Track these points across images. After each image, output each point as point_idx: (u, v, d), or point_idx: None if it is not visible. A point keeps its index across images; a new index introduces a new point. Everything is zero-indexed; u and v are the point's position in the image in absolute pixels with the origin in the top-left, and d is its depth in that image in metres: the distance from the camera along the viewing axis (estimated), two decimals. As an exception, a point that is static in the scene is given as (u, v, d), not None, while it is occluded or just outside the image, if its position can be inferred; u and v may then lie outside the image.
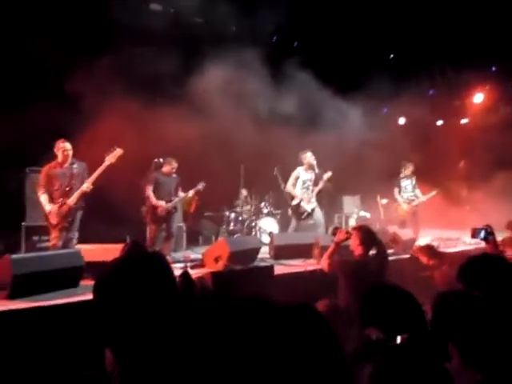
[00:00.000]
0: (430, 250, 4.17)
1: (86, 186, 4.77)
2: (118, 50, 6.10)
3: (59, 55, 5.86)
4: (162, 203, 5.76)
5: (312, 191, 6.72)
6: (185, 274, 1.74)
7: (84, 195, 4.83)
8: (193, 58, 6.80)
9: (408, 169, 7.42)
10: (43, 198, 4.78)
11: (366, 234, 3.56)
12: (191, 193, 6.12)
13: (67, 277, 3.80)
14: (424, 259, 4.07)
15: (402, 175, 7.47)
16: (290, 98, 7.40)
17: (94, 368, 1.13)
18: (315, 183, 6.75)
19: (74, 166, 4.88)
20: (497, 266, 1.97)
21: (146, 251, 3.24)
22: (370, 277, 3.28)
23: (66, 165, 4.86)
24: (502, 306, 1.67)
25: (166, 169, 5.96)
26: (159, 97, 6.66)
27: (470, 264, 2.00)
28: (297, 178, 6.73)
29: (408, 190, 7.41)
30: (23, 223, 5.98)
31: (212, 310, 0.95)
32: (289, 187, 6.76)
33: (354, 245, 3.57)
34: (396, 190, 7.43)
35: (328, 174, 6.61)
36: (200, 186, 6.12)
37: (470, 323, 1.46)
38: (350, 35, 8.13)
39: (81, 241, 4.89)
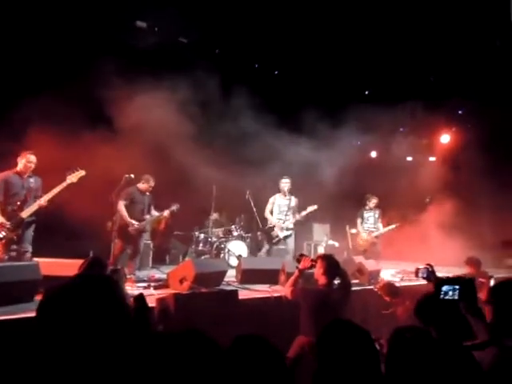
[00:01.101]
0: (390, 288, 4.16)
1: (44, 200, 4.73)
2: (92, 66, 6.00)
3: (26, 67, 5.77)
4: (134, 222, 5.58)
5: (287, 216, 6.78)
6: (139, 298, 1.67)
7: (39, 210, 4.77)
8: (164, 78, 6.74)
9: (372, 202, 7.73)
10: None
11: (330, 264, 3.56)
12: (166, 213, 5.95)
13: (21, 291, 3.62)
14: (386, 298, 4.10)
15: (366, 207, 7.81)
16: (261, 124, 7.47)
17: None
18: (294, 211, 6.83)
19: (31, 179, 4.84)
20: (447, 304, 2.02)
21: (105, 270, 3.15)
22: (332, 307, 3.29)
23: (25, 176, 4.81)
24: (453, 344, 1.70)
25: (143, 186, 5.80)
26: (128, 114, 6.57)
27: (424, 301, 2.04)
28: (273, 203, 6.91)
29: (370, 221, 7.76)
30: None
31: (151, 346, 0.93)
32: (267, 214, 6.92)
33: (318, 274, 3.57)
34: (359, 221, 7.80)
35: (313, 207, 6.73)
36: (174, 208, 5.98)
37: (422, 362, 1.48)
38: (329, 71, 8.41)
39: (42, 255, 4.69)
